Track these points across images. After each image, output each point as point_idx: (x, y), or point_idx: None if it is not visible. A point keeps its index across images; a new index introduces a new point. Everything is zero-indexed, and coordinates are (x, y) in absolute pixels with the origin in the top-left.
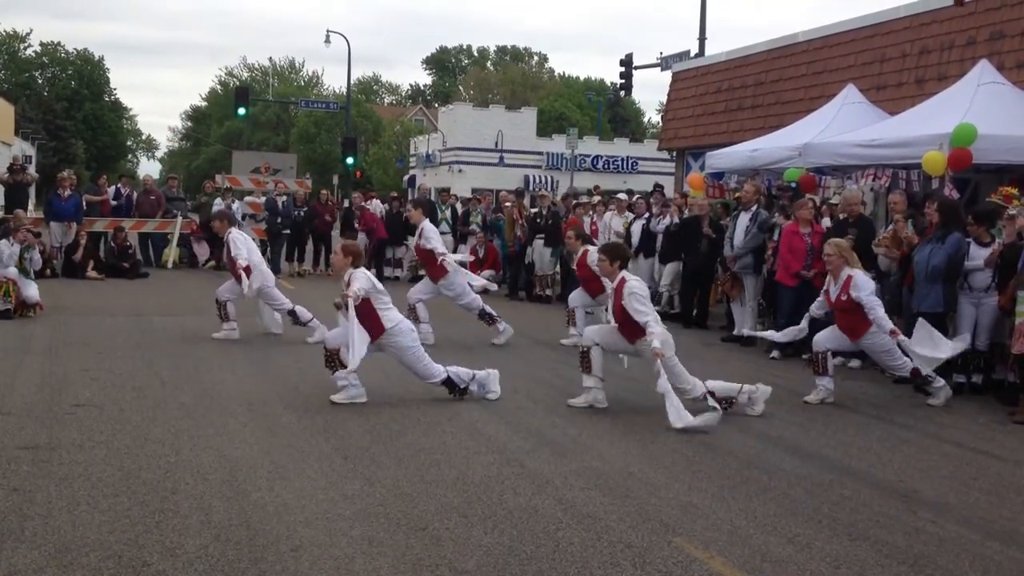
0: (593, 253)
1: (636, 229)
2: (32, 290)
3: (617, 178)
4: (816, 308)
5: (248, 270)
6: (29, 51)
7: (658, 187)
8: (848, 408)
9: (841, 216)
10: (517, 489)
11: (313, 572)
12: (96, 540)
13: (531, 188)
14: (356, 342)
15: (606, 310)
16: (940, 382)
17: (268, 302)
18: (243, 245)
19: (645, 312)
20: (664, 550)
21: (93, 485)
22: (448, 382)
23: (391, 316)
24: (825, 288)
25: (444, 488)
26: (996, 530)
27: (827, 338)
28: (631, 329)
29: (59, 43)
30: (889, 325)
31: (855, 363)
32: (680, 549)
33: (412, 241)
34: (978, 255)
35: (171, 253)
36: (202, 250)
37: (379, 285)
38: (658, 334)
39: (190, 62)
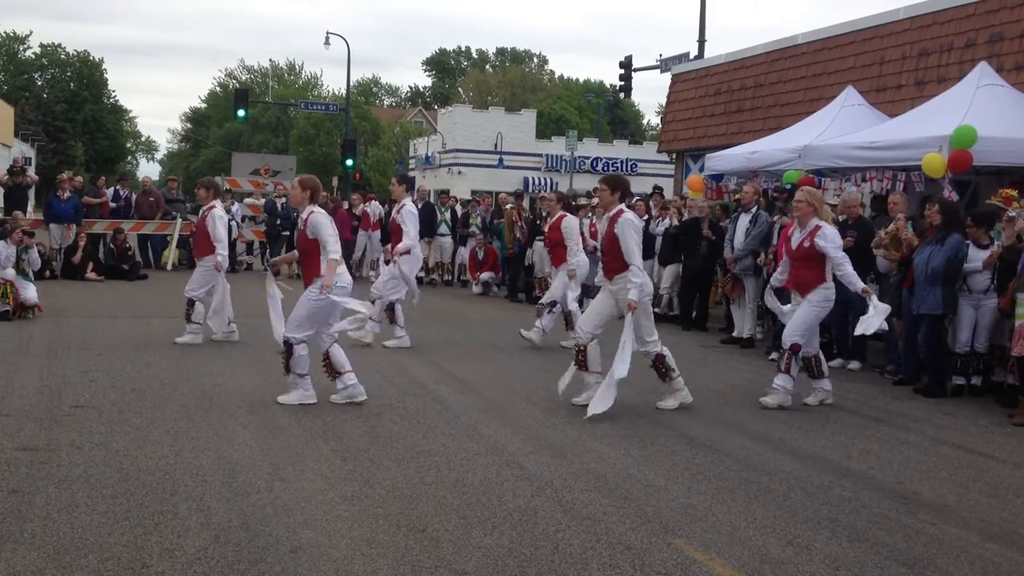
0: (569, 219)
1: None
2: (31, 292)
3: None
4: (779, 275)
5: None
6: (28, 53)
7: (657, 189)
8: (847, 410)
9: (840, 218)
10: (516, 491)
11: (312, 573)
12: (95, 542)
13: (530, 190)
14: (274, 317)
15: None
16: (827, 385)
17: (196, 280)
18: (223, 228)
19: (635, 252)
20: (664, 552)
21: (92, 487)
22: (288, 347)
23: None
24: (788, 236)
25: (443, 490)
26: (995, 532)
27: (800, 332)
28: (613, 262)
29: (59, 45)
30: (861, 284)
31: (855, 364)
32: (680, 551)
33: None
34: (977, 257)
35: (170, 255)
36: None
37: (334, 231)
38: (637, 285)
39: (189, 64)
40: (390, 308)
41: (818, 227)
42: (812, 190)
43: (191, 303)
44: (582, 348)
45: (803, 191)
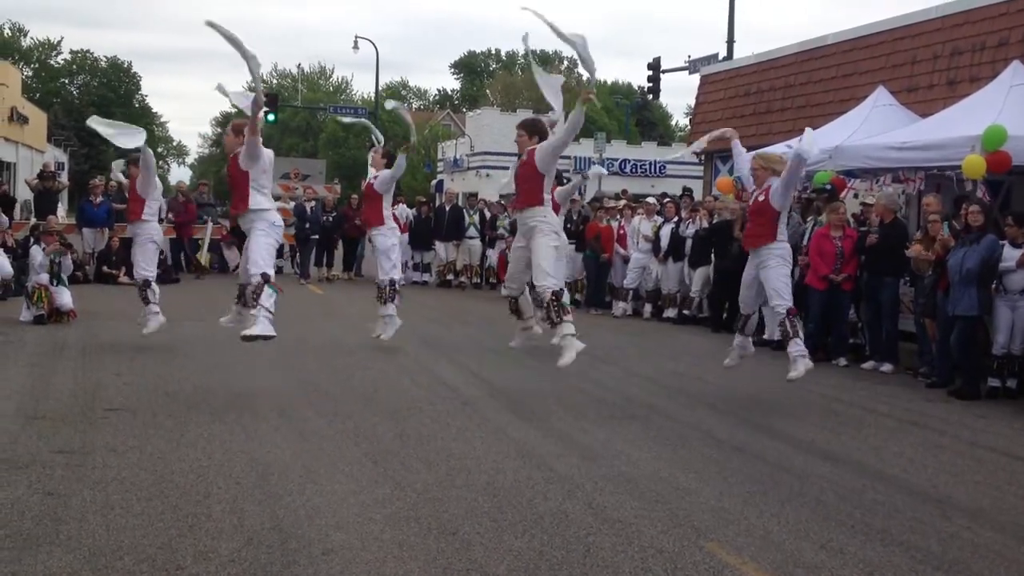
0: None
1: (665, 233)
2: (65, 297)
3: (645, 182)
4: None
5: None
6: (59, 59)
7: (687, 191)
8: (880, 413)
9: (875, 218)
10: (547, 494)
11: None
12: (130, 544)
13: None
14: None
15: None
16: (801, 348)
17: (138, 257)
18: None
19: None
20: (696, 555)
21: (127, 489)
22: (264, 276)
23: (260, 201)
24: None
25: (474, 493)
26: None
27: (786, 296)
28: (528, 195)
29: (89, 51)
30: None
31: (887, 367)
32: (712, 554)
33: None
34: (1012, 256)
35: (203, 258)
36: (232, 255)
37: (269, 167)
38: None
39: (218, 69)
40: (391, 289)
41: (771, 184)
42: (763, 153)
43: (147, 284)
44: (514, 300)
45: (756, 157)
